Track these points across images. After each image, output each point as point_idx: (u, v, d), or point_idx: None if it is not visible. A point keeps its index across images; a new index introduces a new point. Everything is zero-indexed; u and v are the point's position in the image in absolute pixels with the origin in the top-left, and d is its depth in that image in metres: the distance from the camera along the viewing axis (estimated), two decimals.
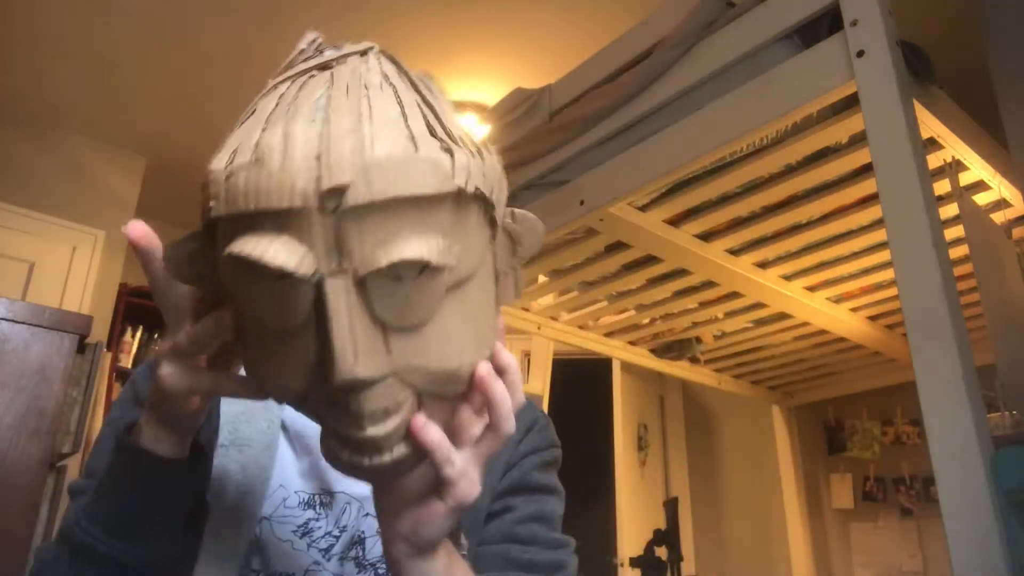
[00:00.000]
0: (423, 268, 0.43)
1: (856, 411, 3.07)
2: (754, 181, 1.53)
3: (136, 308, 3.43)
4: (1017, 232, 1.51)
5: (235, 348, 0.52)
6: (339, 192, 0.41)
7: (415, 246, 0.42)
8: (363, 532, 0.69)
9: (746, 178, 1.51)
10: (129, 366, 3.46)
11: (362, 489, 0.69)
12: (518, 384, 0.52)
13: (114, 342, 3.34)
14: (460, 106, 2.96)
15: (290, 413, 0.72)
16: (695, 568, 3.39)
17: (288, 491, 0.69)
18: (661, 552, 2.53)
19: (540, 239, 0.56)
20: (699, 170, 1.47)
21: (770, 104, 1.22)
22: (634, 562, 2.57)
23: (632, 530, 2.96)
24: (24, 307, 1.62)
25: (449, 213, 0.45)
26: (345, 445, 0.47)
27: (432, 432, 0.48)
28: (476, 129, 2.88)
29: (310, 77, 0.50)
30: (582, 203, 1.55)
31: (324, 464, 0.68)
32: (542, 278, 2.09)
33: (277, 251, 0.41)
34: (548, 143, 1.64)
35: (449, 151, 0.45)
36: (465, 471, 0.51)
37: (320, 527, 0.68)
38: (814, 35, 1.19)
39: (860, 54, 1.08)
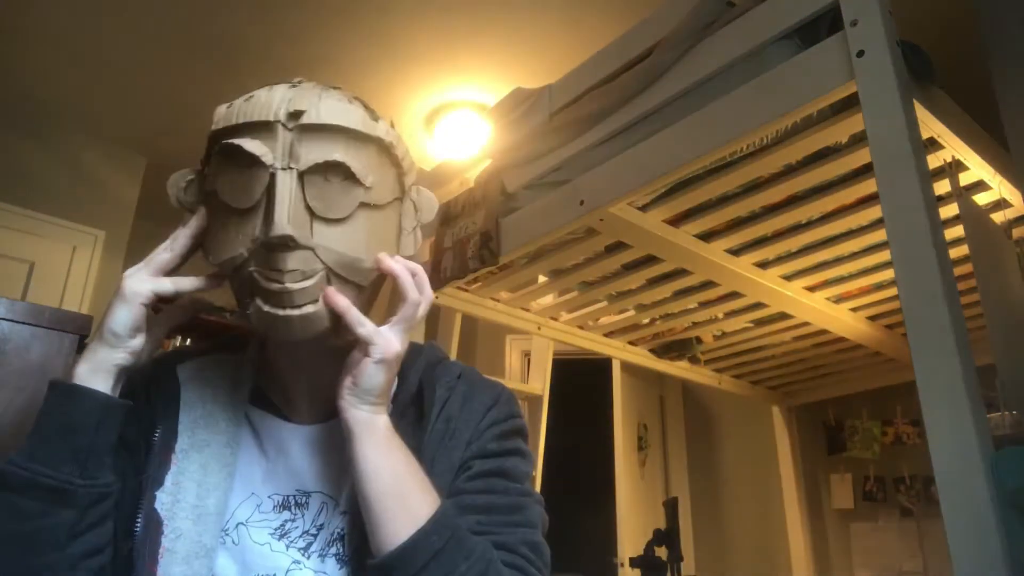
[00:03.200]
0: (346, 175, 0.64)
1: (856, 411, 3.07)
2: (754, 181, 1.53)
3: None
4: (1017, 232, 1.51)
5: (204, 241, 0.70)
6: (298, 115, 0.64)
7: (341, 155, 0.64)
8: (342, 529, 0.69)
9: (746, 178, 1.51)
10: None
11: (336, 488, 0.71)
12: (425, 281, 0.69)
13: None
14: (460, 106, 2.96)
15: (259, 418, 0.74)
16: (695, 568, 3.39)
17: (261, 496, 0.70)
18: (661, 552, 2.53)
19: (435, 210, 0.76)
20: (699, 170, 1.46)
21: (770, 104, 1.22)
22: (634, 562, 2.56)
23: (632, 530, 2.96)
24: (24, 307, 1.62)
25: (373, 155, 0.67)
26: (267, 300, 0.63)
27: (341, 299, 0.65)
28: (476, 129, 2.88)
29: (279, 83, 0.70)
30: (582, 203, 1.54)
31: (300, 465, 0.71)
32: (542, 278, 2.09)
33: (252, 144, 0.63)
34: (548, 143, 1.64)
35: (376, 120, 0.69)
36: (379, 331, 0.66)
37: (297, 527, 0.69)
38: (814, 35, 1.19)
39: (860, 54, 1.08)
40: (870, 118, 1.06)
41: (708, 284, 1.98)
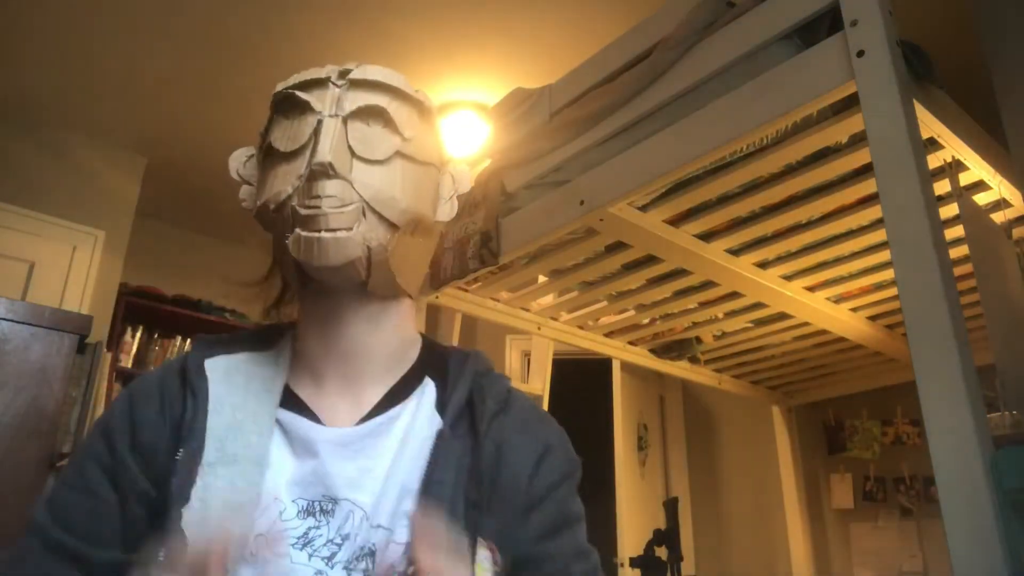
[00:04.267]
0: (385, 122, 0.70)
1: (856, 411, 3.07)
2: (754, 181, 1.53)
3: (136, 308, 3.43)
4: (1017, 232, 1.51)
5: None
6: (347, 72, 0.71)
7: (381, 102, 0.70)
8: (373, 545, 0.65)
9: (746, 178, 1.51)
10: (129, 366, 3.46)
11: (367, 496, 0.67)
12: None
13: (114, 342, 3.34)
14: (460, 106, 2.96)
15: (290, 420, 0.70)
16: (695, 568, 3.39)
17: (284, 502, 0.66)
18: (661, 552, 2.53)
19: (469, 183, 0.80)
20: (699, 170, 1.46)
21: (770, 104, 1.22)
22: (634, 562, 2.56)
23: (632, 530, 2.96)
24: (24, 307, 1.62)
25: (414, 114, 0.73)
26: (304, 225, 0.66)
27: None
28: (476, 129, 2.88)
29: None
30: (582, 203, 1.54)
31: (329, 469, 0.67)
32: (542, 278, 2.09)
33: (305, 94, 0.70)
34: (548, 143, 1.64)
35: (417, 92, 0.75)
36: None
37: (321, 535, 0.66)
38: (814, 35, 1.19)
39: (860, 54, 1.08)
40: (870, 118, 1.06)
41: (708, 284, 1.98)
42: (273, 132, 0.72)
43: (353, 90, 0.70)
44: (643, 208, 1.62)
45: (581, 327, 2.40)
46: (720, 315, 2.25)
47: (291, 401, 0.72)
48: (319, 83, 0.71)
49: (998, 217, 1.44)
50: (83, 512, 0.66)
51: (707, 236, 1.74)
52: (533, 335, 2.37)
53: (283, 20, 2.59)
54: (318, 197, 0.65)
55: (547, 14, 2.54)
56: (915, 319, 0.94)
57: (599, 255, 1.88)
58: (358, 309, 0.73)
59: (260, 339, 0.78)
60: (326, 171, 0.65)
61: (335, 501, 0.67)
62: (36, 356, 1.64)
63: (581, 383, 3.26)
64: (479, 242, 1.76)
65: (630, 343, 2.52)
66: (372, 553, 0.65)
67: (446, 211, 0.77)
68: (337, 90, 0.70)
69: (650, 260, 1.85)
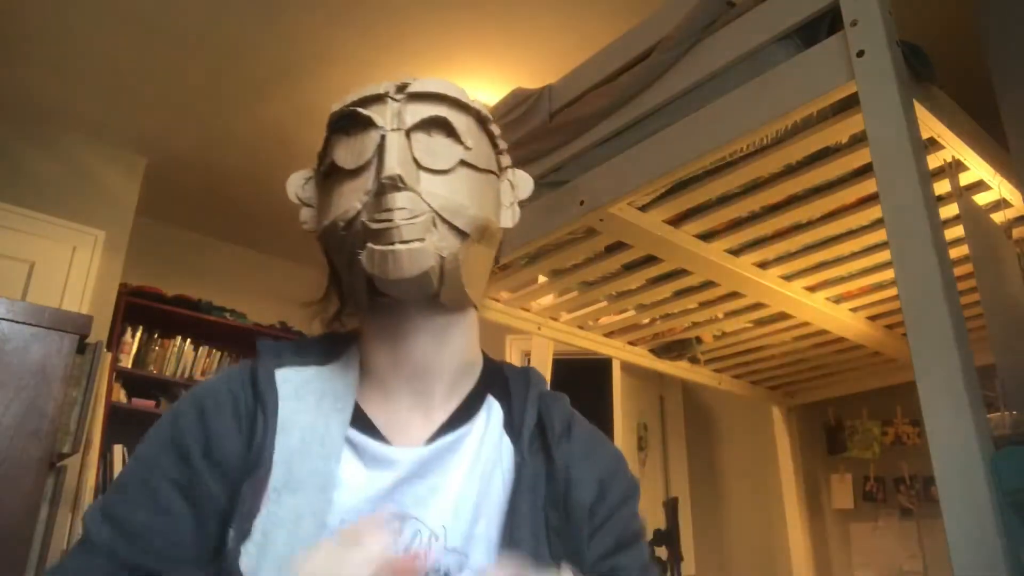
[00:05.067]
0: (448, 132, 0.70)
1: (856, 411, 3.07)
2: (754, 181, 1.53)
3: (136, 308, 3.44)
4: (1017, 232, 1.51)
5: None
6: (404, 86, 0.71)
7: (443, 113, 0.70)
8: (447, 568, 0.64)
9: (746, 178, 1.51)
10: (129, 366, 3.46)
11: (436, 515, 0.65)
12: None
13: (114, 342, 3.34)
14: None
15: (361, 441, 0.68)
16: (695, 568, 3.39)
17: (349, 523, 0.63)
18: (661, 552, 2.53)
19: (530, 189, 0.80)
20: (699, 170, 1.46)
21: (770, 104, 1.22)
22: None
23: None
24: (24, 307, 1.62)
25: (472, 123, 0.73)
26: (376, 239, 0.65)
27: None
28: None
29: None
30: (582, 203, 1.54)
31: (400, 489, 0.65)
32: (542, 278, 2.09)
33: (368, 110, 0.70)
34: (548, 143, 1.64)
35: (474, 102, 0.74)
36: None
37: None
38: (814, 35, 1.19)
39: (860, 54, 1.08)
40: (870, 118, 1.06)
41: (708, 284, 1.98)
42: (335, 151, 0.71)
43: (412, 103, 0.70)
44: (643, 208, 1.62)
45: (581, 327, 2.40)
46: (720, 315, 2.25)
47: (361, 420, 0.70)
48: (377, 99, 0.70)
49: (998, 217, 1.44)
50: (157, 533, 0.62)
51: (707, 236, 1.74)
52: (533, 335, 2.37)
53: (282, 21, 2.59)
54: (389, 210, 0.65)
55: (547, 14, 2.54)
56: (915, 319, 0.94)
57: (599, 255, 1.88)
58: (427, 322, 0.71)
59: (326, 351, 0.76)
60: (395, 184, 0.65)
61: (402, 518, 0.65)
62: (36, 356, 1.64)
63: (581, 383, 3.25)
64: None
65: (630, 343, 2.52)
66: (446, 575, 0.64)
67: (508, 217, 0.77)
68: (396, 104, 0.70)
69: (650, 260, 1.85)
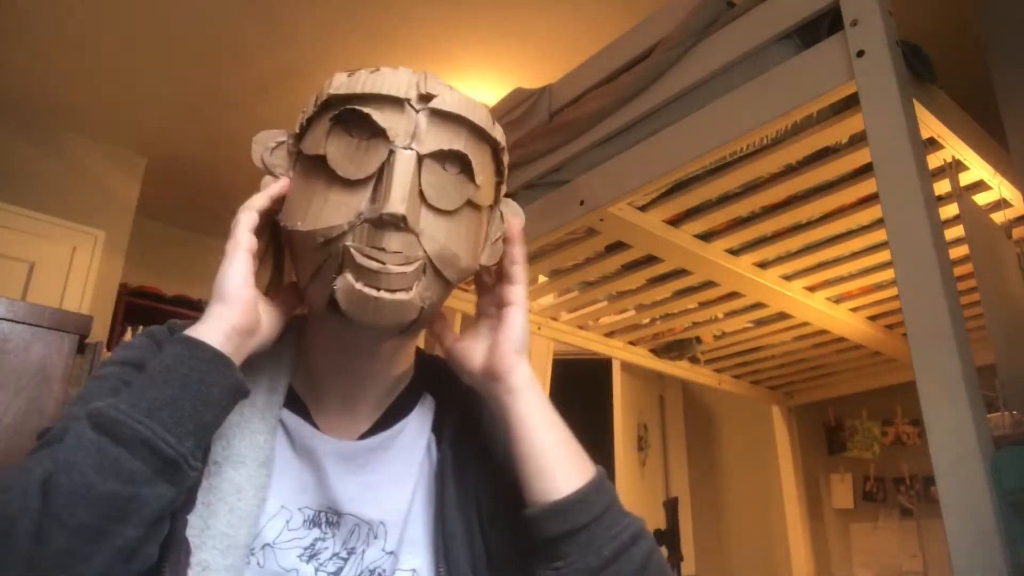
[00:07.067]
0: (463, 168, 0.63)
1: (856, 411, 3.07)
2: (754, 181, 1.53)
3: (136, 308, 3.43)
4: (1017, 232, 1.51)
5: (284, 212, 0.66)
6: (430, 97, 0.63)
7: (463, 146, 0.63)
8: (383, 570, 0.64)
9: (746, 178, 1.51)
10: None
11: (372, 512, 0.65)
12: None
13: (114, 342, 3.33)
14: None
15: (294, 423, 0.67)
16: (695, 568, 3.39)
17: (291, 510, 0.64)
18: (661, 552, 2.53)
19: (521, 223, 0.73)
20: (699, 170, 1.46)
21: (770, 104, 1.22)
22: None
23: None
24: (24, 307, 1.62)
25: (488, 156, 0.67)
26: (361, 278, 0.59)
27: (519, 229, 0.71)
28: None
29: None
30: (582, 203, 1.54)
31: (333, 483, 0.65)
32: (542, 278, 2.09)
33: (381, 116, 0.61)
34: (548, 143, 1.64)
35: (494, 123, 0.69)
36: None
37: (327, 548, 0.63)
38: (814, 35, 1.19)
39: (860, 54, 1.08)
40: (870, 118, 1.06)
41: (708, 284, 1.98)
42: (329, 145, 0.62)
43: (434, 121, 0.63)
44: (643, 208, 1.62)
45: (581, 327, 2.40)
46: (720, 315, 2.25)
47: (295, 403, 0.69)
48: (394, 103, 0.62)
49: (998, 217, 1.43)
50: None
51: (707, 236, 1.74)
52: (533, 335, 2.36)
53: (282, 20, 2.59)
54: (383, 251, 0.59)
55: (547, 14, 2.54)
56: (915, 319, 0.94)
57: (599, 255, 1.88)
58: (379, 345, 0.68)
59: None
60: (397, 224, 0.58)
61: (339, 515, 0.65)
62: (36, 356, 1.64)
63: (581, 383, 3.26)
64: None
65: (630, 343, 2.52)
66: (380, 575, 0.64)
67: (487, 256, 0.70)
68: (415, 115, 0.62)
69: (650, 260, 1.85)
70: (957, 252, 1.43)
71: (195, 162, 3.44)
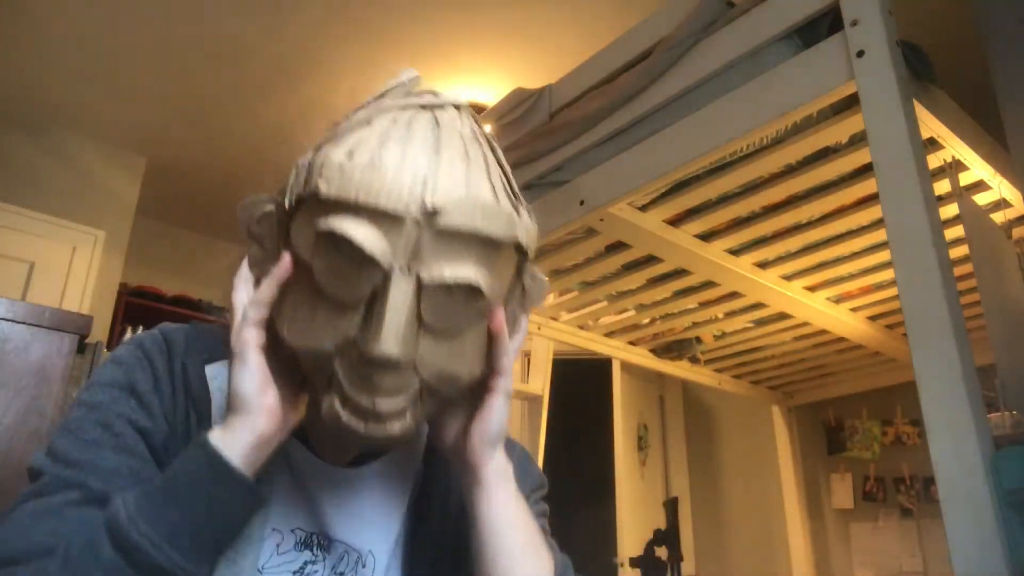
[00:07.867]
0: (470, 293, 0.54)
1: (856, 411, 3.07)
2: (754, 181, 1.53)
3: (136, 308, 3.43)
4: (1017, 232, 1.51)
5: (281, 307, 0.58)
6: (435, 212, 0.51)
7: (473, 272, 0.53)
8: None
9: (746, 178, 1.51)
10: None
11: (360, 541, 0.66)
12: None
13: (114, 342, 3.33)
14: None
15: (292, 447, 0.65)
16: (695, 568, 3.39)
17: (283, 532, 0.63)
18: (661, 552, 2.53)
19: (545, 297, 0.68)
20: (699, 170, 1.46)
21: (770, 104, 1.22)
22: (634, 562, 2.56)
23: (632, 530, 2.96)
24: (24, 307, 1.61)
25: (505, 259, 0.58)
26: (346, 406, 0.54)
27: (499, 320, 0.60)
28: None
29: (417, 112, 0.58)
30: (582, 203, 1.54)
31: (324, 508, 0.65)
32: None
33: (373, 241, 0.51)
34: (548, 143, 1.64)
35: (517, 210, 0.59)
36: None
37: (317, 571, 0.63)
38: (814, 35, 1.19)
39: (860, 54, 1.08)
40: (870, 118, 1.06)
41: (708, 284, 1.98)
42: (316, 258, 0.54)
43: (440, 241, 0.52)
44: (643, 208, 1.62)
45: (581, 327, 2.40)
46: (720, 315, 2.25)
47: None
48: (392, 220, 0.51)
49: (998, 217, 1.44)
50: (127, 473, 0.56)
51: (707, 236, 1.75)
52: (533, 335, 2.37)
53: (281, 20, 2.59)
54: (372, 389, 0.54)
55: (547, 14, 2.54)
56: (915, 319, 0.94)
57: (599, 255, 1.88)
58: None
59: None
60: (389, 365, 0.52)
61: (330, 540, 0.65)
62: (36, 356, 1.64)
63: (581, 383, 3.26)
64: None
65: (630, 343, 2.52)
66: None
67: (516, 335, 0.67)
68: (417, 230, 0.52)
69: (650, 260, 1.85)
70: (957, 252, 1.43)
71: (195, 162, 3.44)
